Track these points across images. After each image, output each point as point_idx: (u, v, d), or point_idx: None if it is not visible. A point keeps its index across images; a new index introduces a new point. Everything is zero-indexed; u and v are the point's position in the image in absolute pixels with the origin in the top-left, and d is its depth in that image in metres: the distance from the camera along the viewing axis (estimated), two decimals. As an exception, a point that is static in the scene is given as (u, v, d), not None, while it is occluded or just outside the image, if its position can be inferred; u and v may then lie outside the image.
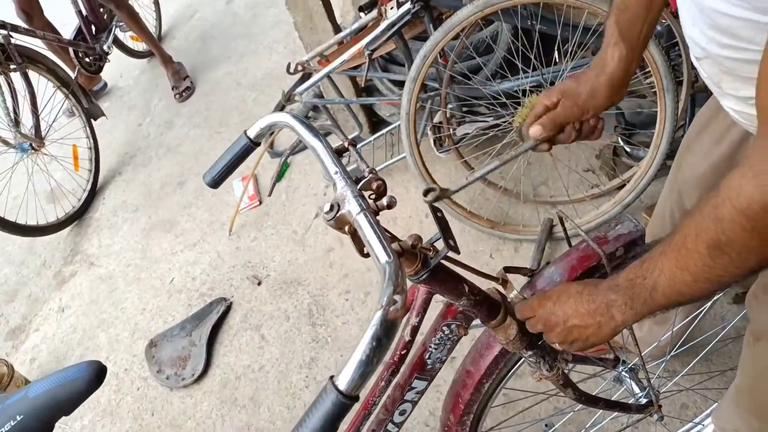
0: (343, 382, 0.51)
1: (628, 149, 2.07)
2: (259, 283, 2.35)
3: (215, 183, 0.90)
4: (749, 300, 0.99)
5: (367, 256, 0.69)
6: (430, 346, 0.94)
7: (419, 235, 0.67)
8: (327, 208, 0.69)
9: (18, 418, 0.90)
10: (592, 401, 1.09)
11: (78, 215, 3.04)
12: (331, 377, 0.51)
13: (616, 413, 1.29)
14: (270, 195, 2.51)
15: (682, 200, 1.11)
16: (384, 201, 0.73)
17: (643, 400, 1.18)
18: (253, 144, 0.86)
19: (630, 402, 1.17)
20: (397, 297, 0.53)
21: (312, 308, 2.18)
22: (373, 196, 0.73)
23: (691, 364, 1.42)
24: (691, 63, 1.77)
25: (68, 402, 0.93)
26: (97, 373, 0.93)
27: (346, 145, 0.80)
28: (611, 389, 1.35)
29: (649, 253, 0.68)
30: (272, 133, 2.83)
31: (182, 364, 2.16)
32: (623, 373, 1.22)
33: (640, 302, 0.69)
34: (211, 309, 2.29)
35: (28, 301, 2.74)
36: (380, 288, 0.55)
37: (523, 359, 0.97)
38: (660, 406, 1.17)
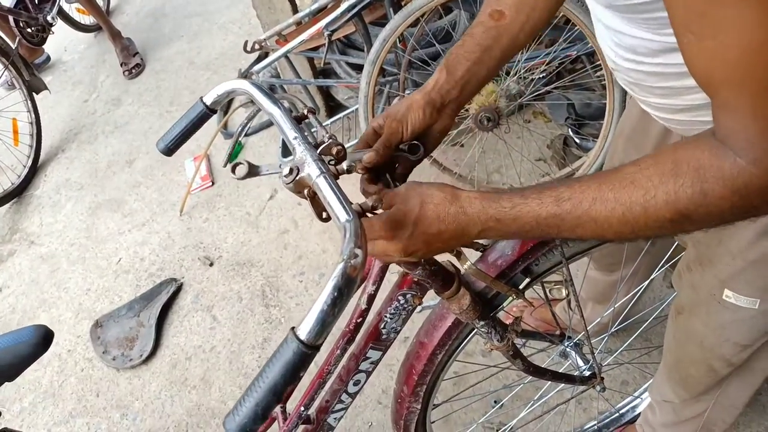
0: (304, 332, 0.51)
1: (577, 140, 2.15)
2: (211, 264, 2.31)
3: (169, 150, 0.87)
4: (675, 278, 1.05)
5: (326, 220, 0.70)
6: (386, 316, 0.96)
7: (380, 197, 0.69)
8: (286, 171, 0.69)
9: (-45, 383, 0.87)
10: (539, 372, 1.14)
11: (17, 192, 2.90)
12: (293, 328, 0.51)
13: (562, 385, 1.35)
14: (225, 166, 2.47)
15: None
16: (344, 165, 0.74)
17: (587, 373, 1.24)
18: (209, 111, 0.85)
19: (575, 374, 1.23)
20: (357, 251, 0.54)
21: (265, 289, 2.16)
22: (333, 161, 0.74)
23: (629, 340, 1.50)
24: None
25: (12, 367, 0.90)
26: (43, 337, 0.91)
27: (305, 112, 0.81)
28: (556, 364, 1.41)
29: (569, 189, 0.61)
30: (226, 112, 2.78)
31: (129, 345, 2.11)
32: (568, 348, 1.28)
33: (536, 234, 0.65)
34: (161, 289, 2.24)
35: (-38, 281, 2.61)
36: (341, 244, 0.56)
37: (475, 330, 1.00)
38: (602, 378, 1.23)
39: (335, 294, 0.52)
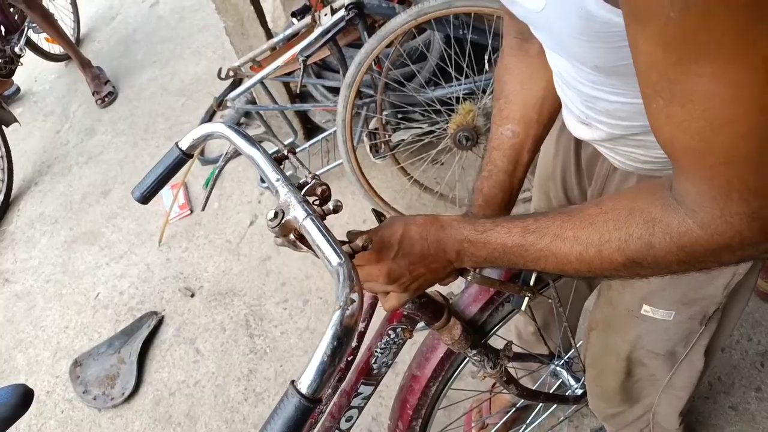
0: (304, 385, 0.50)
1: (555, 154, 2.15)
2: (192, 295, 2.27)
3: (145, 199, 0.84)
4: (596, 297, 1.07)
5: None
6: (376, 351, 0.94)
7: (369, 237, 0.67)
8: (271, 215, 0.67)
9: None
10: (532, 395, 1.13)
11: (-11, 229, 2.83)
12: (292, 381, 0.50)
13: (554, 405, 1.34)
14: (203, 209, 2.44)
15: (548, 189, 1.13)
16: (330, 205, 0.72)
17: (579, 391, 1.23)
18: (186, 156, 0.82)
19: (567, 394, 1.22)
20: (354, 296, 0.53)
21: (249, 319, 2.13)
22: (317, 201, 0.72)
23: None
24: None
25: (-10, 430, 0.86)
26: (22, 398, 0.87)
27: (285, 152, 0.79)
28: (547, 384, 1.40)
29: (536, 223, 0.64)
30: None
31: (111, 383, 2.05)
32: (558, 367, 1.27)
33: (505, 263, 0.68)
34: (141, 324, 2.19)
35: (-67, 324, 2.52)
36: (336, 290, 0.55)
37: (467, 359, 0.99)
38: (594, 397, 1.22)
39: (334, 344, 0.51)
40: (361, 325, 0.87)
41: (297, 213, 0.65)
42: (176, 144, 0.78)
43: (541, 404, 1.42)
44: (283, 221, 0.66)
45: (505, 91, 0.87)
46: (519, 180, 0.88)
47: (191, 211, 2.59)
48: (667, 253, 0.54)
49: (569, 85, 0.72)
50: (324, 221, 0.66)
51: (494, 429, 1.47)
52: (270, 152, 0.76)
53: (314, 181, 0.71)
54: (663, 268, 0.56)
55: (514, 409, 1.44)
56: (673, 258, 0.54)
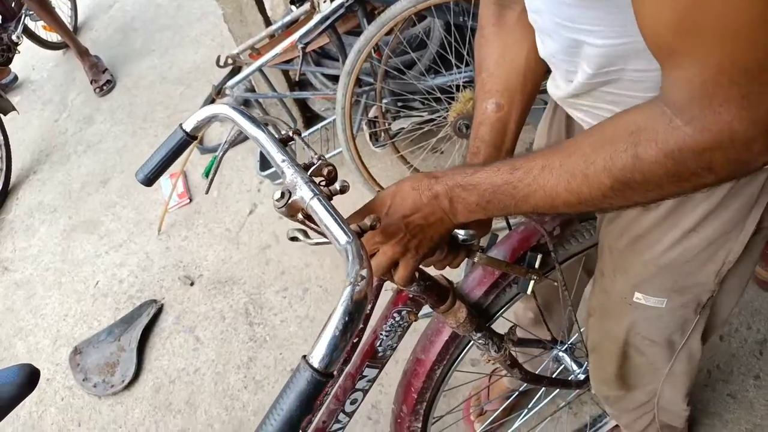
0: (316, 359, 0.50)
1: (555, 143, 2.15)
2: (192, 284, 2.27)
3: (149, 181, 0.84)
4: (591, 284, 1.07)
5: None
6: (381, 334, 0.94)
7: (378, 216, 0.67)
8: (278, 195, 0.67)
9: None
10: (536, 380, 1.13)
11: (-12, 217, 2.83)
12: (304, 356, 0.50)
13: (556, 391, 1.34)
14: (207, 193, 2.43)
15: None
16: (337, 186, 0.72)
17: (582, 376, 1.24)
18: (190, 138, 0.82)
19: (570, 379, 1.23)
20: (363, 272, 0.53)
21: (249, 307, 2.13)
22: (324, 182, 0.72)
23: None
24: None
25: (-3, 409, 0.86)
26: (29, 377, 0.87)
27: (290, 134, 0.79)
28: (549, 369, 1.41)
29: (524, 159, 0.63)
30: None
31: (111, 371, 2.06)
32: (561, 352, 1.28)
33: (497, 206, 0.66)
34: (141, 312, 2.19)
35: (-68, 312, 2.52)
36: (346, 267, 0.55)
37: (471, 342, 0.99)
38: (597, 382, 1.23)
39: (346, 319, 0.51)
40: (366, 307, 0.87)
41: (303, 193, 0.65)
42: (180, 125, 0.78)
43: (541, 390, 1.43)
44: (289, 201, 0.66)
45: (486, 64, 0.86)
46: (508, 152, 0.87)
47: (190, 200, 2.59)
48: (654, 164, 0.51)
49: (551, 35, 0.70)
50: (331, 201, 0.66)
51: (494, 416, 1.48)
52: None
53: (320, 161, 0.71)
54: (654, 187, 0.54)
55: (514, 395, 1.45)
56: (662, 170, 0.51)
